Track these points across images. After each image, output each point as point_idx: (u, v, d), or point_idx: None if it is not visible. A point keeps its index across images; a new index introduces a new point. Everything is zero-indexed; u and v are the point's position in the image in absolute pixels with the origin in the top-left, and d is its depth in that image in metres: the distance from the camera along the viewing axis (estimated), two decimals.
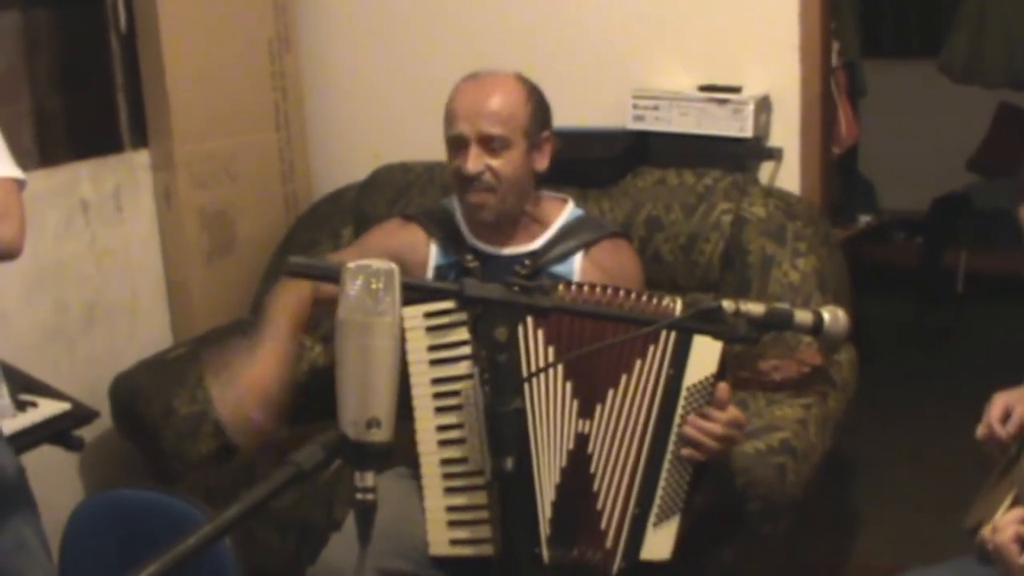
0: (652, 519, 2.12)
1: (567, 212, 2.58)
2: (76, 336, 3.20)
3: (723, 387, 2.09)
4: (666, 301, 2.13)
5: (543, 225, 2.54)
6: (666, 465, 2.11)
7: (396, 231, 2.63)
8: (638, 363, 2.11)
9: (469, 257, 2.48)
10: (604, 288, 2.11)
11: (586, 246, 2.52)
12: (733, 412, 2.11)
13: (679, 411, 2.10)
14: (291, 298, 2.43)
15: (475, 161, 2.41)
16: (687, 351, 2.09)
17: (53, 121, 3.16)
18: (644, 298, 2.12)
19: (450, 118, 2.46)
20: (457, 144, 2.44)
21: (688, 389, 2.10)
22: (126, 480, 3.14)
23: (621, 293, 2.10)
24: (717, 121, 3.08)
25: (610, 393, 2.12)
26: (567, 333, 2.08)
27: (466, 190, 2.45)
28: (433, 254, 2.55)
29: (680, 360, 2.09)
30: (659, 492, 2.12)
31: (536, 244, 2.52)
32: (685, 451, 2.10)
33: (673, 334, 2.08)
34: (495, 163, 2.41)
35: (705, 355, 2.08)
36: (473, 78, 2.49)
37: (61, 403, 2.56)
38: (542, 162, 2.50)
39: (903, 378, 4.80)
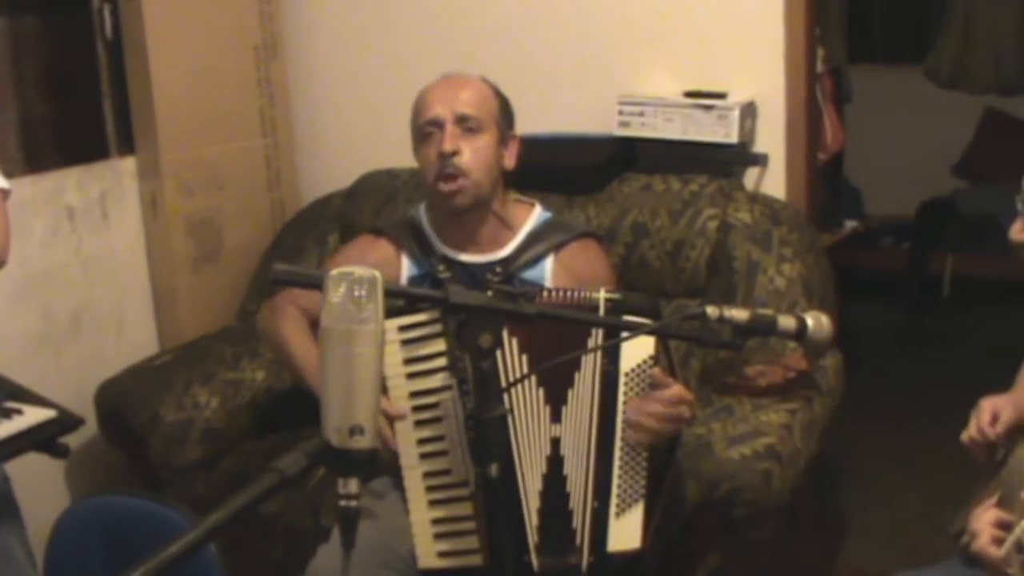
0: (613, 510, 2.12)
1: (535, 216, 2.57)
2: (62, 343, 3.19)
3: (656, 370, 2.10)
4: (590, 293, 2.14)
5: (512, 230, 2.53)
6: (617, 454, 2.11)
7: (367, 249, 2.60)
8: (583, 359, 2.12)
9: (441, 267, 2.48)
10: (553, 291, 2.15)
11: (555, 249, 2.51)
12: (676, 390, 2.11)
13: (621, 398, 2.11)
14: (290, 320, 2.52)
15: (451, 140, 2.42)
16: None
17: (39, 128, 3.15)
18: (572, 294, 2.15)
19: (422, 107, 2.48)
20: (431, 129, 2.45)
21: (627, 375, 2.11)
22: (112, 487, 3.13)
23: (557, 294, 2.14)
24: (703, 127, 3.09)
25: (569, 393, 2.13)
26: (538, 340, 2.08)
27: (440, 177, 2.44)
28: (405, 267, 2.54)
29: (612, 349, 2.11)
30: (615, 482, 2.12)
31: (506, 250, 2.51)
32: (631, 436, 2.10)
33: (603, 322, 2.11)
34: (469, 147, 2.43)
35: (637, 339, 2.09)
36: (441, 76, 2.54)
37: (46, 410, 2.54)
38: (510, 160, 2.53)
39: (890, 382, 4.82)
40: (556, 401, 2.13)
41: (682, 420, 2.15)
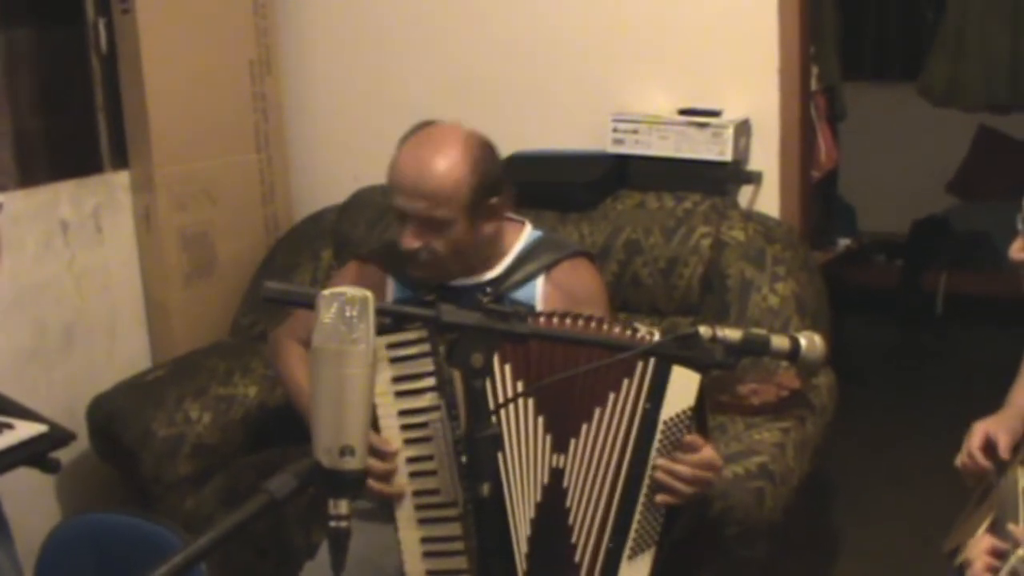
0: (627, 552, 2.09)
1: (525, 235, 2.52)
2: (54, 357, 3.18)
3: (691, 437, 2.05)
4: (641, 333, 2.08)
5: (501, 252, 2.48)
6: (641, 499, 2.08)
7: (351, 276, 2.56)
8: (612, 396, 2.07)
9: (425, 291, 2.45)
10: (575, 318, 2.07)
11: (546, 269, 2.47)
12: (706, 454, 2.06)
13: (655, 445, 2.06)
14: (293, 356, 2.52)
15: (411, 239, 2.33)
16: (665, 383, 2.04)
17: (33, 141, 3.14)
18: (618, 328, 2.08)
19: (392, 184, 2.36)
20: (397, 212, 2.37)
21: (665, 423, 2.05)
22: (103, 502, 3.12)
23: (593, 324, 2.07)
24: (696, 145, 3.10)
25: (584, 427, 2.08)
26: (536, 367, 2.04)
27: (406, 260, 2.39)
28: (391, 290, 2.51)
29: (657, 392, 2.04)
30: (634, 526, 2.08)
31: (496, 271, 2.46)
32: (659, 498, 2.07)
33: (651, 365, 2.03)
34: (434, 241, 2.34)
35: (683, 388, 2.04)
36: (416, 141, 2.36)
37: (38, 425, 2.54)
38: (490, 226, 2.40)
39: (884, 399, 4.82)
40: (562, 432, 2.08)
41: (707, 485, 2.11)
